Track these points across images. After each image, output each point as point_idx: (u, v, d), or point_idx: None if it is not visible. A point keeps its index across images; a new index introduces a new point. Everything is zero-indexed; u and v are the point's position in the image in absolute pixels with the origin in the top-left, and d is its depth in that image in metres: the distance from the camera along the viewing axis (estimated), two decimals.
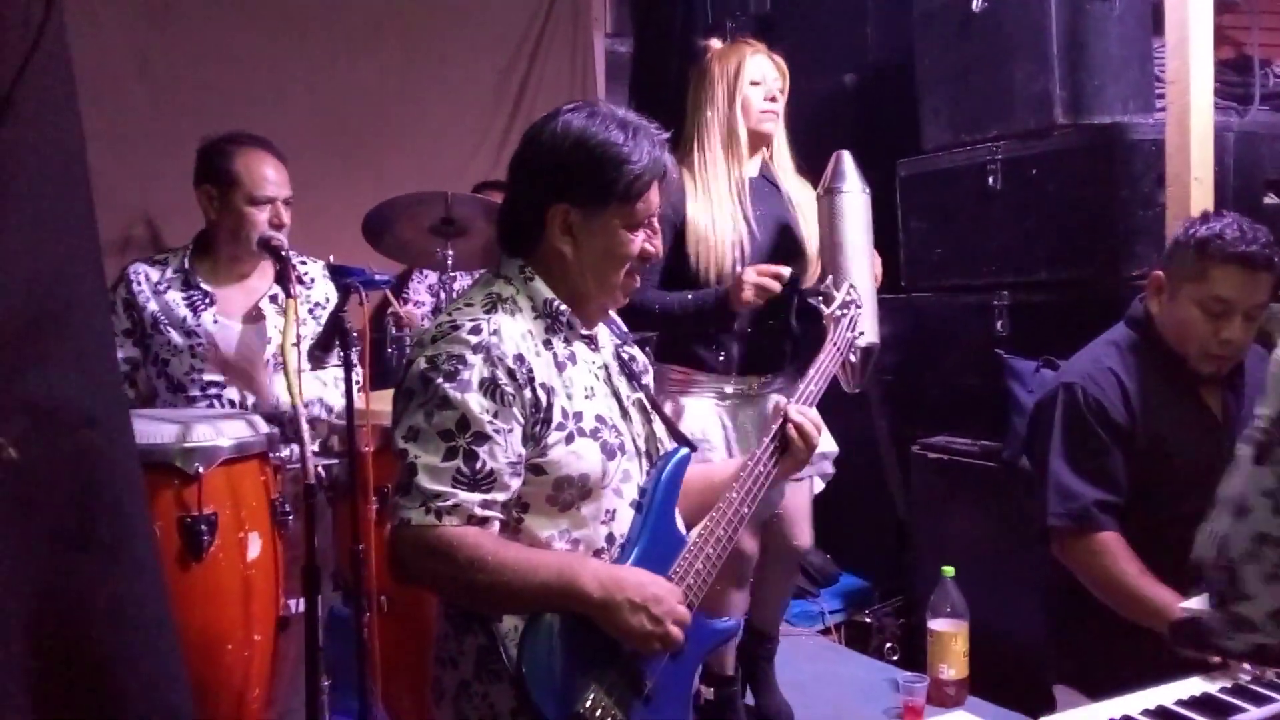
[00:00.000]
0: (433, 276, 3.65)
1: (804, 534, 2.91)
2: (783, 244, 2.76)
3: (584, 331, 1.71)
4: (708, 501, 1.76)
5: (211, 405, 2.58)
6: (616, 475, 1.65)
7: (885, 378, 3.78)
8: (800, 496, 2.89)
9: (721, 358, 2.72)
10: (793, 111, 4.22)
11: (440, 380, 1.54)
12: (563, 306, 1.67)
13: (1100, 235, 3.08)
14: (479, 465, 1.54)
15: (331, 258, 2.67)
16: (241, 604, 2.16)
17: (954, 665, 2.95)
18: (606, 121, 1.64)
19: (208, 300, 2.61)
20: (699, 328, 2.68)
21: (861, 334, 2.15)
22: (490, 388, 1.55)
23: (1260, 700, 1.66)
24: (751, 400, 2.77)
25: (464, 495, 1.53)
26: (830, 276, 2.40)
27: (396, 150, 3.94)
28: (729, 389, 2.75)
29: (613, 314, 1.84)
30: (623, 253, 1.67)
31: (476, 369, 1.55)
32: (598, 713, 1.54)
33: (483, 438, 1.54)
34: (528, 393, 1.57)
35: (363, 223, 3.26)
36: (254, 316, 2.59)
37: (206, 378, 2.58)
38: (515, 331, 1.60)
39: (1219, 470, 2.17)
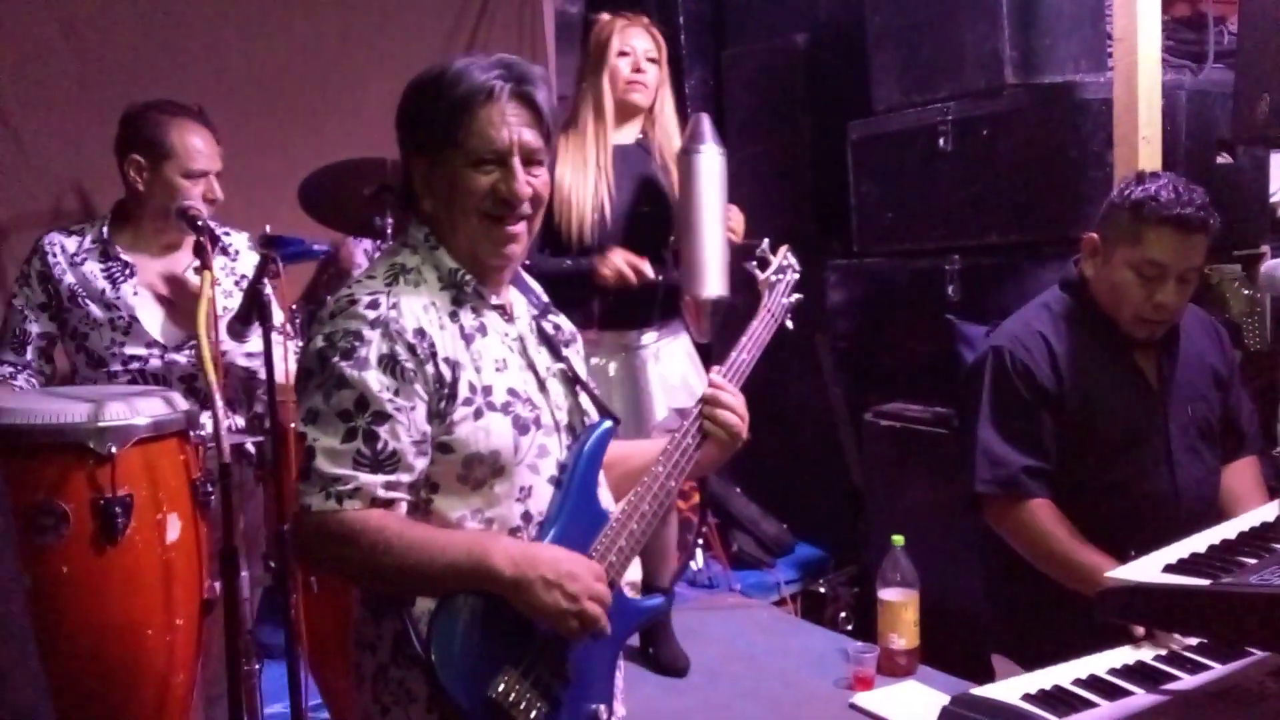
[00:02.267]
0: (368, 243, 3.57)
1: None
2: (646, 206, 2.88)
3: (494, 301, 1.63)
4: (630, 478, 1.70)
5: (134, 380, 2.50)
6: (531, 451, 1.58)
7: (839, 344, 3.73)
8: None
9: (584, 314, 2.79)
10: (743, 70, 4.19)
11: (337, 359, 1.47)
12: (467, 276, 1.59)
13: (1051, 197, 3.03)
14: (380, 445, 1.47)
15: (269, 227, 2.61)
16: (162, 588, 2.09)
17: (904, 634, 2.93)
18: (439, 66, 1.56)
19: (128, 271, 2.52)
20: (567, 292, 2.75)
21: (799, 298, 2.10)
22: (389, 364, 1.48)
23: (1194, 668, 1.63)
24: (626, 355, 2.93)
25: (365, 478, 1.47)
26: (689, 238, 2.57)
27: (336, 116, 3.84)
28: (597, 346, 2.87)
29: (532, 282, 1.77)
30: (468, 194, 1.54)
31: (374, 345, 1.48)
32: (511, 696, 1.48)
33: (383, 417, 1.47)
34: (430, 368, 1.50)
35: (299, 191, 3.18)
36: (183, 288, 2.52)
37: (128, 351, 2.50)
38: (417, 304, 1.53)
39: (1150, 435, 2.17)
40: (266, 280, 2.27)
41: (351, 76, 3.89)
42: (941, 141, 3.27)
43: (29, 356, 2.50)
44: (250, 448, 2.48)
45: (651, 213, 2.88)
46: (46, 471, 2.00)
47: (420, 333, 1.50)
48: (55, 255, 2.52)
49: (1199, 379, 2.24)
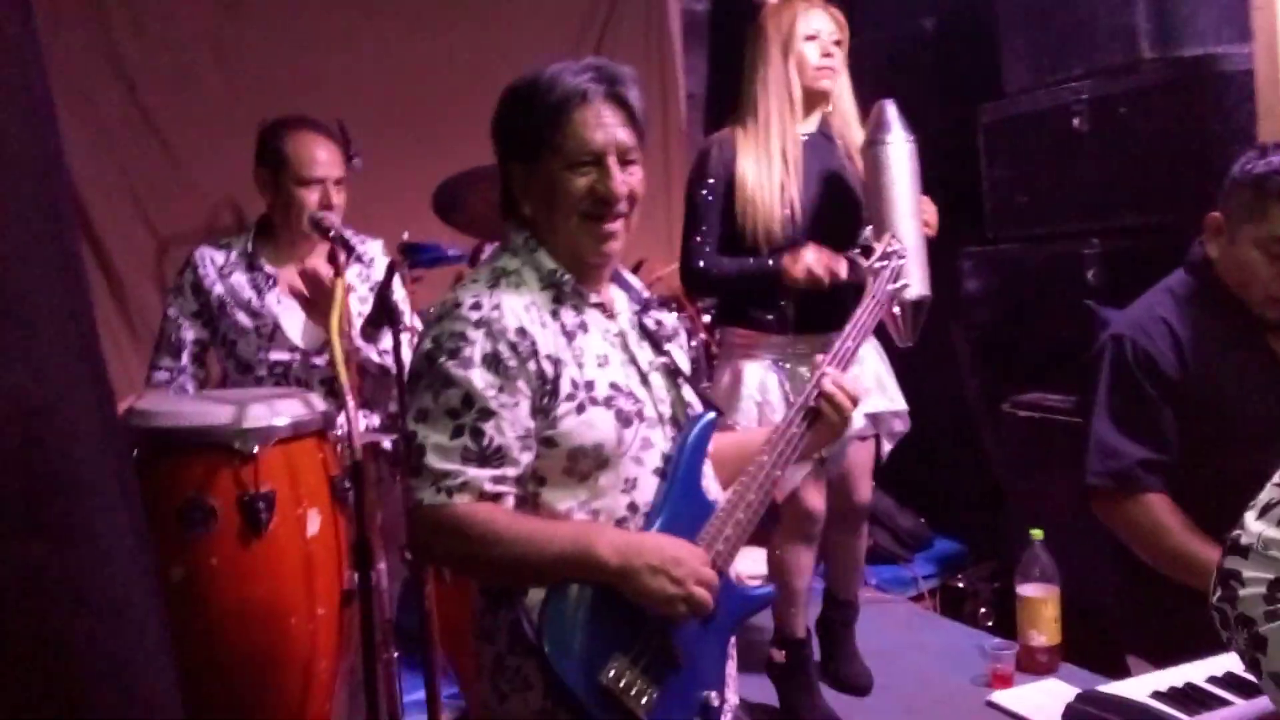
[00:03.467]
0: None
1: (864, 490, 2.86)
2: (836, 201, 2.70)
3: (594, 299, 1.68)
4: (743, 463, 1.71)
5: (278, 383, 2.64)
6: (634, 443, 1.62)
7: (975, 334, 3.64)
8: (863, 454, 2.84)
9: (778, 318, 2.69)
10: (871, 59, 4.12)
11: (443, 359, 1.54)
12: (566, 276, 1.64)
13: (1194, 175, 2.88)
14: (486, 441, 1.53)
15: (406, 235, 2.72)
16: (304, 578, 2.20)
17: (1045, 631, 2.84)
18: (533, 73, 1.60)
19: (271, 281, 2.67)
20: (753, 293, 2.68)
21: (906, 285, 2.05)
22: (493, 362, 1.54)
23: None
24: (811, 361, 2.71)
25: (473, 472, 1.53)
26: (870, 228, 2.33)
27: (469, 125, 3.84)
28: (789, 350, 2.71)
29: (633, 280, 1.80)
30: (567, 195, 1.59)
31: (478, 345, 1.54)
32: (622, 683, 1.52)
33: (488, 413, 1.53)
34: (532, 365, 1.56)
35: (434, 198, 3.29)
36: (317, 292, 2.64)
37: (272, 356, 2.65)
38: (518, 305, 1.58)
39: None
40: (397, 284, 2.37)
41: (482, 84, 3.93)
42: (1076, 122, 3.15)
43: (184, 361, 2.67)
44: (386, 445, 2.59)
45: (840, 207, 2.70)
46: (195, 470, 2.13)
47: (522, 331, 1.56)
48: (206, 267, 2.68)
49: None
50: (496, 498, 1.55)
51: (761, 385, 2.68)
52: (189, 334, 2.67)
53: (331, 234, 2.38)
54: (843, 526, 2.87)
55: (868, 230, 2.04)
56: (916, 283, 2.42)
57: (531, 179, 1.62)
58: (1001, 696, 2.69)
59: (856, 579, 2.99)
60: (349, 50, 3.81)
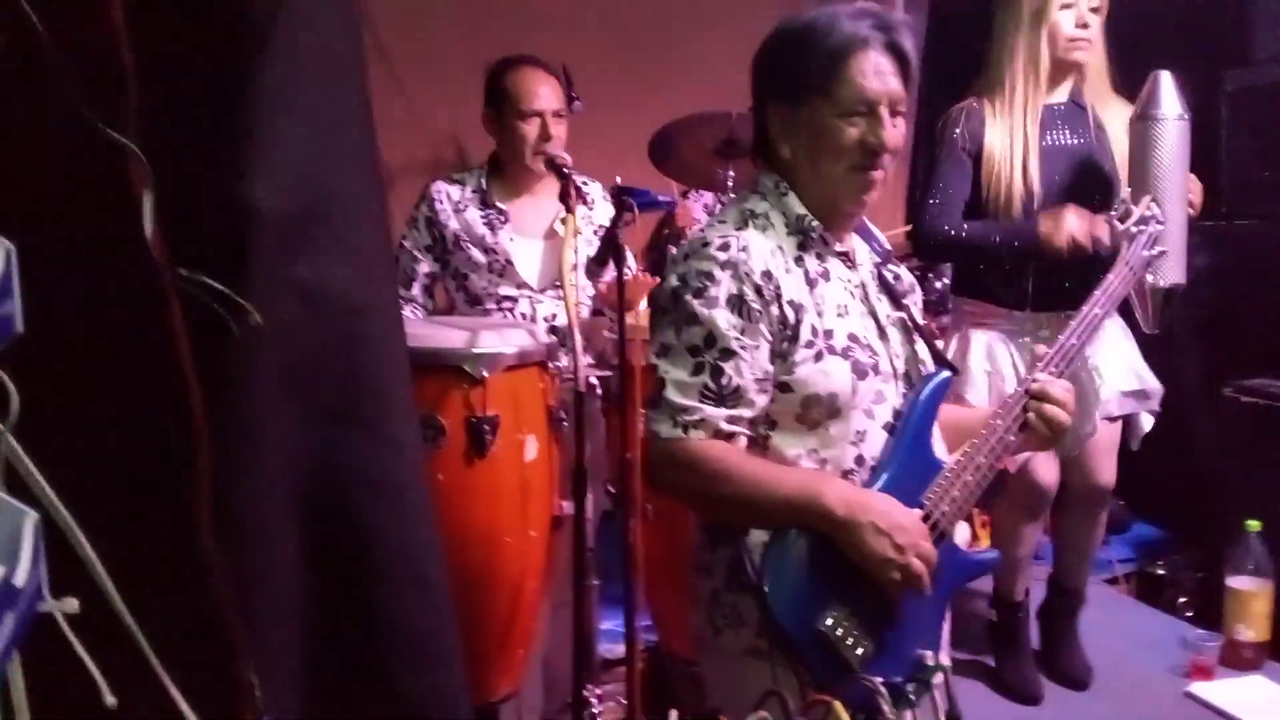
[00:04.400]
0: (708, 196, 3.68)
1: (1105, 472, 2.74)
2: (1082, 175, 2.57)
3: (839, 248, 1.68)
4: (959, 439, 1.69)
5: (505, 318, 2.75)
6: (868, 395, 1.62)
7: (1199, 313, 3.47)
8: (1110, 433, 2.71)
9: (1016, 293, 2.59)
10: (1111, 19, 3.92)
11: (689, 297, 1.57)
12: (814, 222, 1.64)
13: None
14: (725, 381, 1.56)
15: (619, 179, 2.78)
16: (519, 501, 2.31)
17: (1253, 626, 2.72)
18: (810, 12, 1.59)
19: (503, 218, 2.77)
20: (993, 264, 2.59)
21: (1164, 253, 1.96)
22: (737, 304, 1.56)
23: None
24: (1034, 336, 2.59)
25: (710, 410, 1.56)
26: (1128, 191, 2.21)
27: (684, 71, 3.97)
28: (1024, 326, 2.61)
29: (875, 231, 1.79)
30: (837, 144, 1.57)
31: (724, 285, 1.56)
32: (839, 631, 1.54)
33: (729, 354, 1.56)
34: (775, 309, 1.57)
35: (649, 144, 3.34)
36: (550, 235, 2.74)
37: (501, 291, 2.75)
38: (765, 248, 1.59)
39: None
40: (620, 229, 2.43)
41: (697, 32, 4.01)
42: None
43: (415, 292, 2.81)
44: (595, 381, 2.67)
45: (1086, 182, 2.58)
46: (429, 390, 2.23)
47: (767, 275, 1.57)
48: (442, 202, 2.80)
49: None
50: (730, 437, 1.58)
51: (990, 355, 2.61)
52: (422, 267, 2.80)
53: (565, 172, 2.45)
54: (1077, 509, 2.78)
55: (1125, 193, 1.94)
56: (1175, 268, 2.31)
57: (797, 122, 1.62)
58: (1201, 688, 2.60)
59: (1086, 568, 2.88)
60: None
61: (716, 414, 1.56)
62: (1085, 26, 2.52)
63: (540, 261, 2.74)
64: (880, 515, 1.53)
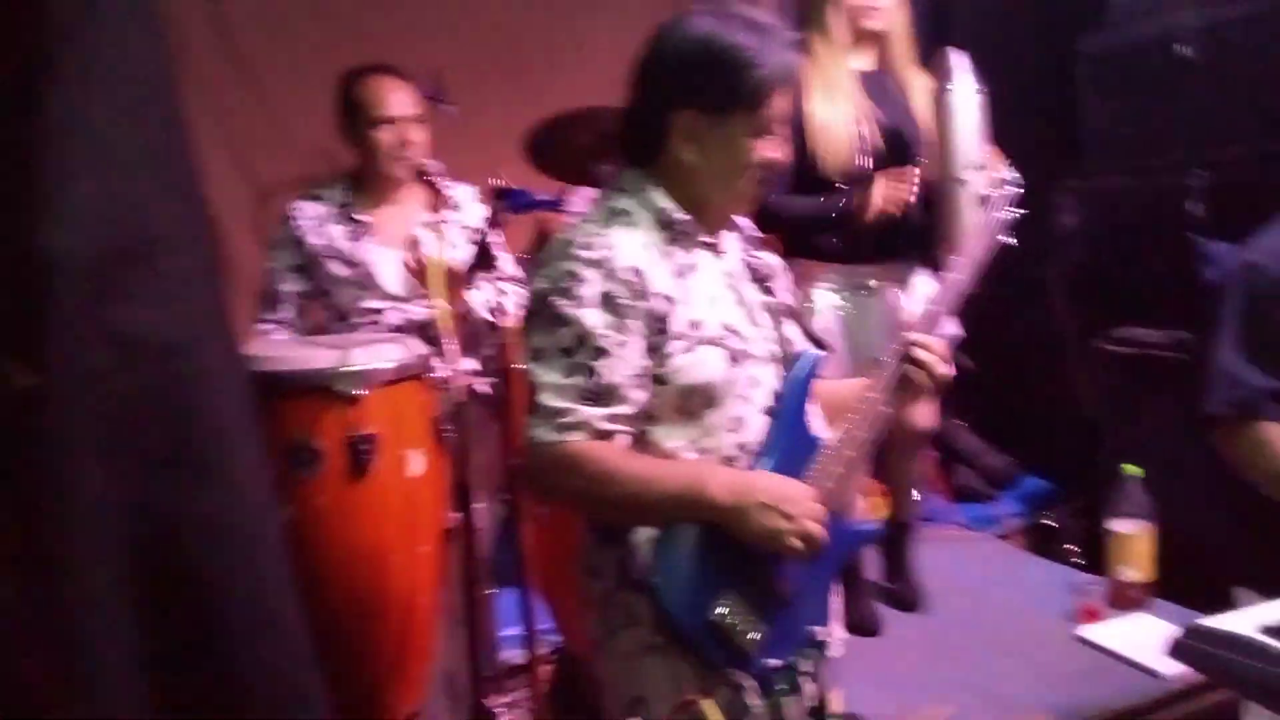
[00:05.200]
0: (594, 192, 3.66)
1: (928, 415, 2.84)
2: (898, 139, 2.69)
3: (705, 239, 1.69)
4: (838, 412, 1.72)
5: (376, 331, 2.69)
6: (743, 382, 1.64)
7: (1070, 269, 3.56)
8: None
9: (842, 248, 2.69)
10: None
11: (557, 298, 1.57)
12: (679, 216, 1.65)
13: None
14: (600, 380, 1.56)
15: (501, 180, 2.74)
16: (405, 517, 2.28)
17: (1135, 567, 2.80)
18: (734, 24, 1.60)
19: (365, 230, 2.72)
20: (827, 228, 2.67)
21: (1023, 212, 2.02)
22: (607, 301, 1.56)
23: None
24: (874, 290, 2.76)
25: (587, 410, 1.55)
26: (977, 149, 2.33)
27: (558, 68, 3.93)
28: (851, 278, 2.74)
29: (741, 219, 1.80)
30: (749, 160, 1.64)
31: (592, 284, 1.56)
32: (731, 619, 1.56)
33: (602, 352, 1.56)
34: (646, 304, 1.58)
35: (524, 142, 3.30)
36: (414, 242, 2.69)
37: (368, 305, 2.70)
38: (633, 244, 1.60)
39: None
40: (493, 231, 2.40)
41: (572, 27, 3.97)
42: (1183, 50, 3.03)
43: (285, 314, 2.74)
44: (483, 389, 2.64)
45: (899, 141, 2.70)
46: (302, 413, 2.20)
47: (636, 270, 1.58)
48: (301, 220, 2.74)
49: None
50: (610, 436, 1.58)
51: (824, 317, 2.69)
52: (290, 286, 2.74)
53: (428, 179, 2.41)
54: (903, 451, 2.87)
55: (977, 149, 2.00)
56: (973, 234, 2.42)
57: (708, 131, 1.62)
58: (1089, 630, 2.67)
59: (908, 498, 2.99)
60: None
61: (594, 414, 1.56)
62: None
63: (404, 271, 2.68)
64: (763, 491, 1.56)
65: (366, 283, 2.69)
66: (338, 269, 2.70)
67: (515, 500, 2.38)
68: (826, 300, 2.73)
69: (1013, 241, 2.33)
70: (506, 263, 2.66)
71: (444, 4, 3.82)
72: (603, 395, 1.56)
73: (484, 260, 2.39)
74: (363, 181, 2.77)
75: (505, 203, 2.52)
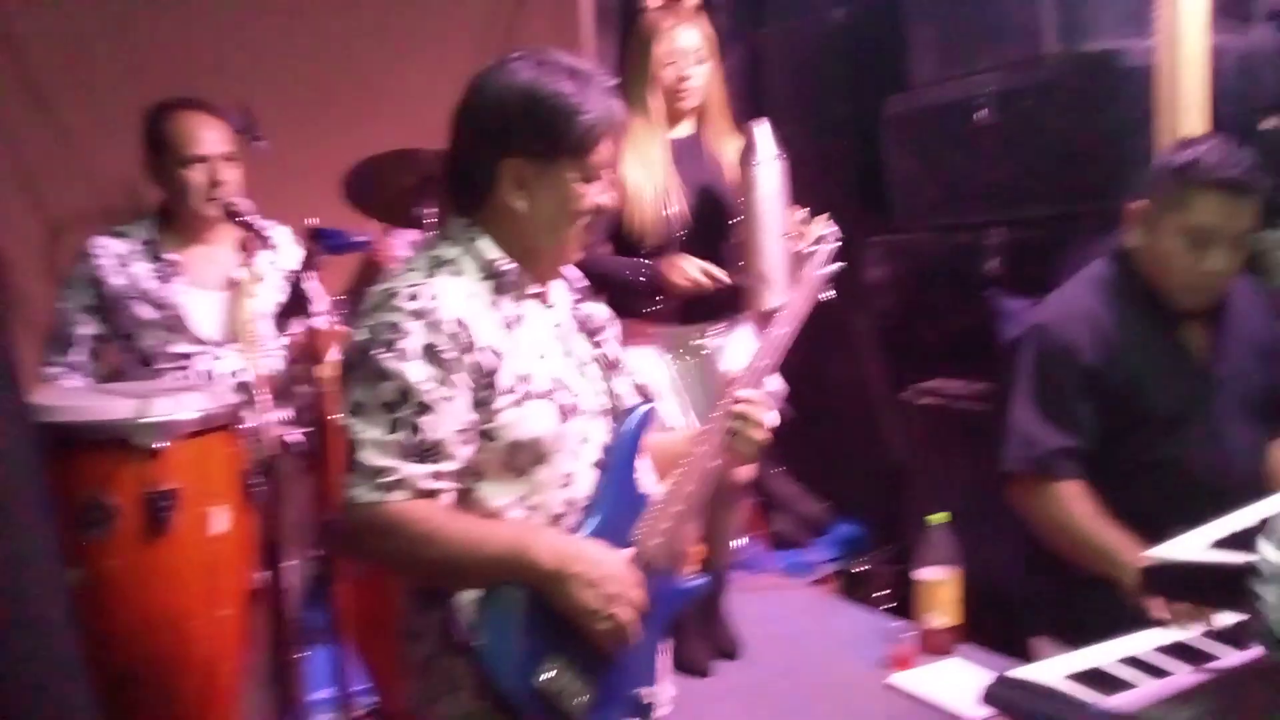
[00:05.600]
0: (415, 234, 3.59)
1: (746, 467, 2.90)
2: (707, 205, 2.80)
3: (534, 290, 1.67)
4: (667, 466, 1.72)
5: (184, 378, 2.55)
6: (573, 437, 1.62)
7: (878, 321, 3.71)
8: None
9: (660, 306, 2.75)
10: (780, 49, 4.16)
11: (379, 351, 1.51)
12: (508, 265, 1.62)
13: (1094, 167, 2.97)
14: (424, 436, 1.50)
15: (316, 221, 2.65)
16: (207, 579, 2.15)
17: (944, 613, 2.91)
18: (556, 71, 1.58)
19: (175, 270, 2.58)
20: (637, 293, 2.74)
21: (843, 266, 2.12)
22: (431, 354, 1.51)
23: (1237, 644, 1.61)
24: (695, 349, 2.83)
25: (410, 469, 1.50)
26: (754, 249, 2.46)
27: (376, 108, 3.85)
28: (675, 338, 2.81)
29: (569, 270, 1.79)
30: (578, 207, 1.62)
31: (416, 336, 1.51)
32: (557, 685, 1.52)
33: (426, 407, 1.50)
34: (472, 357, 1.53)
35: (342, 183, 3.21)
36: (229, 285, 2.57)
37: (177, 349, 2.56)
38: (459, 294, 1.56)
39: (1198, 412, 2.12)
40: (309, 274, 2.31)
41: (390, 67, 3.91)
42: (982, 114, 3.21)
43: (79, 357, 2.57)
44: (296, 439, 2.52)
45: (713, 210, 2.82)
46: (95, 467, 2.05)
47: (462, 322, 1.53)
48: (103, 258, 2.58)
49: (1247, 352, 2.18)
50: (434, 494, 1.53)
51: (647, 373, 2.70)
52: (84, 329, 2.57)
53: (241, 219, 2.31)
54: (720, 501, 2.91)
55: (800, 213, 2.08)
56: (779, 294, 2.58)
57: (535, 178, 1.60)
58: (900, 678, 2.74)
59: (726, 551, 3.05)
60: (250, 26, 3.68)
61: (417, 472, 1.50)
62: (687, 78, 2.77)
63: (220, 314, 2.56)
64: (590, 564, 1.53)
65: (175, 326, 2.55)
66: (143, 311, 2.55)
67: (329, 557, 2.27)
68: (653, 359, 2.78)
69: (831, 294, 2.46)
70: (322, 306, 2.57)
71: (253, 34, 3.69)
72: (427, 452, 1.51)
73: (299, 304, 2.30)
74: (171, 219, 2.64)
75: (321, 244, 2.44)
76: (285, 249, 2.72)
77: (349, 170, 3.16)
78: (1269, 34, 3.02)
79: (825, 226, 2.06)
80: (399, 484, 1.50)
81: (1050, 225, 3.12)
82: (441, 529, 1.51)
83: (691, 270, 2.67)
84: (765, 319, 2.59)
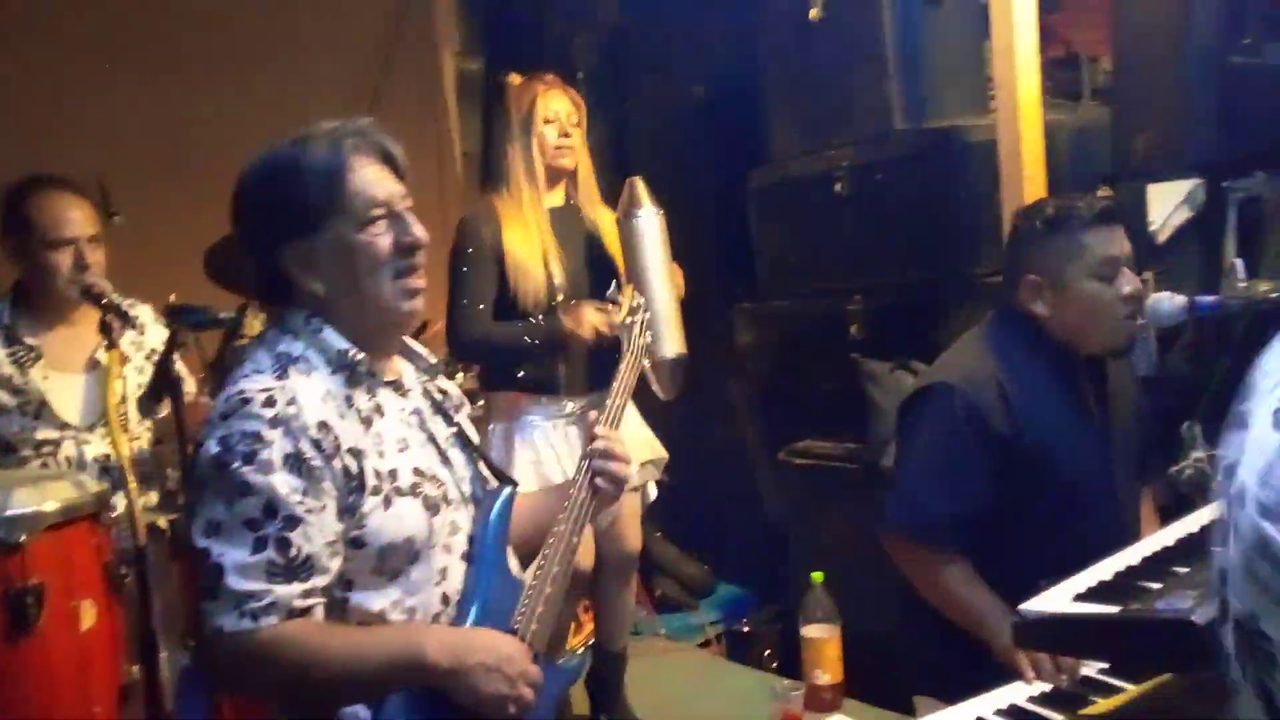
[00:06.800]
0: None
1: (635, 538, 2.95)
2: (589, 268, 2.85)
3: (387, 378, 1.58)
4: (539, 532, 1.68)
5: (46, 464, 2.44)
6: (444, 530, 1.55)
7: (751, 386, 3.80)
8: (631, 503, 2.92)
9: (549, 380, 2.77)
10: (645, 124, 4.28)
11: (237, 464, 1.39)
12: (359, 356, 1.51)
13: (944, 236, 3.14)
14: (294, 552, 1.40)
15: (173, 297, 2.58)
16: (77, 677, 2.04)
17: (828, 670, 2.95)
18: (277, 148, 1.52)
19: (34, 354, 2.48)
20: (536, 357, 2.76)
21: (656, 337, 2.14)
22: (295, 463, 1.41)
23: (1107, 691, 1.69)
24: (579, 418, 2.84)
25: (281, 589, 1.39)
26: (614, 286, 2.50)
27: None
28: (560, 410, 2.81)
29: (418, 347, 1.72)
30: (372, 255, 1.49)
31: (277, 445, 1.40)
32: None
33: (294, 521, 1.40)
34: (337, 463, 1.44)
35: (205, 258, 3.14)
36: (93, 366, 2.49)
37: (39, 436, 2.45)
38: (314, 395, 1.46)
39: (1099, 474, 2.12)
40: (173, 353, 2.25)
41: (252, 141, 3.84)
42: (838, 187, 3.36)
43: None
44: (164, 525, 2.43)
45: (594, 274, 2.84)
46: None
47: (323, 426, 1.44)
48: None
49: (1128, 411, 2.19)
50: (306, 611, 1.42)
51: (534, 447, 2.75)
52: None
53: (103, 300, 2.24)
54: (614, 577, 2.93)
55: (612, 287, 2.12)
56: (674, 341, 2.66)
57: (318, 252, 1.49)
58: None
59: (625, 628, 3.05)
60: (106, 101, 3.61)
61: (289, 592, 1.40)
62: (567, 136, 2.82)
63: (83, 398, 2.47)
64: (484, 651, 1.47)
65: (37, 412, 2.44)
66: (3, 397, 2.43)
67: (201, 651, 2.19)
68: (535, 431, 2.78)
69: (646, 364, 2.52)
70: (189, 385, 2.51)
71: (108, 100, 3.62)
72: (297, 569, 1.40)
73: (165, 384, 2.24)
74: (27, 300, 2.53)
75: (184, 321, 2.39)
76: (148, 328, 2.64)
77: (210, 245, 3.10)
78: (1098, 110, 3.26)
79: (636, 298, 2.08)
80: (270, 608, 1.38)
81: (906, 291, 3.26)
82: (324, 648, 1.42)
83: (597, 319, 2.67)
84: (662, 370, 2.68)
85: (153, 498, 2.54)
